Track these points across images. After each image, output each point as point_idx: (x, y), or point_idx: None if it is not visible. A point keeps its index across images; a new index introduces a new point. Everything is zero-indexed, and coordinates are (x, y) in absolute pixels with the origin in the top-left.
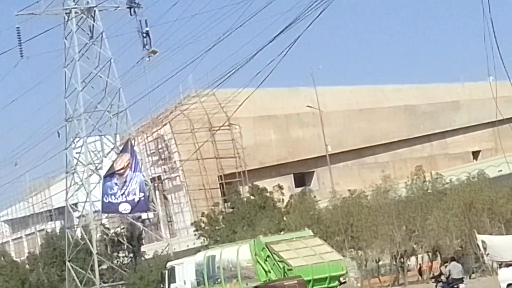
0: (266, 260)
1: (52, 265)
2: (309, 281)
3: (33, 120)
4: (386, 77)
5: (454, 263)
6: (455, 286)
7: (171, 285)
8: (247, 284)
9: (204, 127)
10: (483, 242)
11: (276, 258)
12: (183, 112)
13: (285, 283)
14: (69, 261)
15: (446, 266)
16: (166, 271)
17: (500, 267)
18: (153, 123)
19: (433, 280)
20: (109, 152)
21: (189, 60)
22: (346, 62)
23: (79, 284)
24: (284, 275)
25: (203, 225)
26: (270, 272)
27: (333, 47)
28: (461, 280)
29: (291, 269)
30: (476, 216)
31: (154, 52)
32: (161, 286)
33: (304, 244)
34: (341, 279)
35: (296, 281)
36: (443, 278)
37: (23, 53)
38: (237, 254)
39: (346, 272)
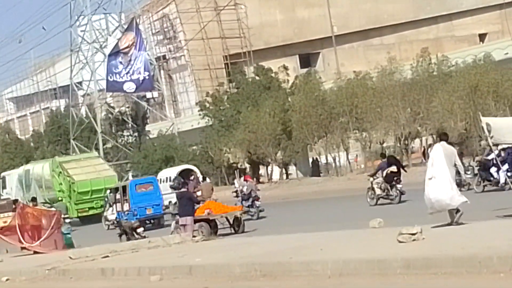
0: (59, 175)
1: (56, 143)
2: (89, 191)
3: None
4: None
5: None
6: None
7: (4, 190)
8: (48, 192)
9: (209, 6)
10: (487, 124)
11: (65, 173)
12: None
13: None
14: (73, 139)
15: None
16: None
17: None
18: (158, 2)
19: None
20: (114, 30)
21: None
22: None
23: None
24: (70, 186)
25: (207, 105)
26: (61, 184)
27: None
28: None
29: (73, 182)
30: (481, 99)
31: None
32: None
33: (89, 163)
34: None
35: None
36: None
37: None
38: (42, 169)
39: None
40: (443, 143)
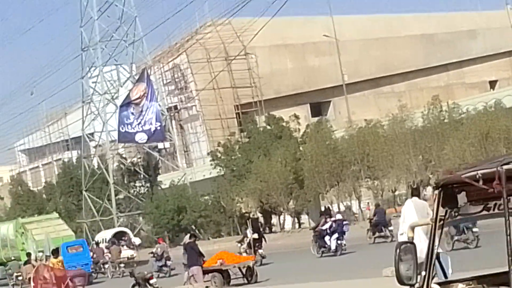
0: (22, 234)
1: (69, 194)
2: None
3: (49, 49)
4: (403, 6)
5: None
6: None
7: None
8: (13, 251)
9: (220, 56)
10: None
11: (28, 233)
12: (199, 41)
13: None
14: (85, 190)
15: None
16: None
17: None
18: (169, 52)
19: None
20: (125, 81)
21: None
22: None
23: (95, 214)
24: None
25: (219, 154)
26: (24, 243)
27: None
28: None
29: (34, 240)
30: (493, 146)
31: None
32: None
33: (49, 224)
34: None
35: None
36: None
37: None
38: (7, 229)
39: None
40: (415, 198)
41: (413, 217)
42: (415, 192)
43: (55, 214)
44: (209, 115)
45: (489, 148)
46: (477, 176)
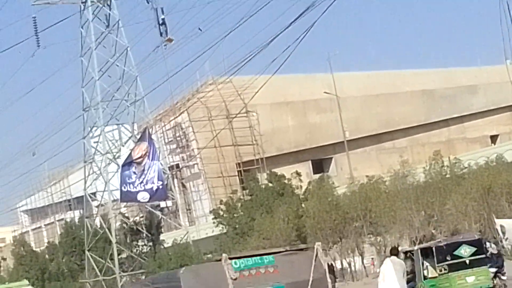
0: None
1: (71, 254)
2: None
3: (51, 110)
4: (403, 62)
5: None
6: None
7: None
8: None
9: (221, 114)
10: (501, 226)
11: None
12: (200, 100)
13: None
14: (88, 250)
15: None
16: None
17: None
18: (171, 111)
19: None
20: (127, 140)
21: (206, 47)
22: (362, 47)
23: (98, 273)
24: None
25: (221, 212)
26: None
27: (350, 32)
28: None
29: None
30: (495, 200)
31: (170, 40)
32: None
33: None
34: None
35: None
36: None
37: (40, 43)
38: None
39: None
40: (393, 258)
41: (392, 276)
42: (394, 252)
43: (25, 281)
44: (211, 173)
45: (491, 203)
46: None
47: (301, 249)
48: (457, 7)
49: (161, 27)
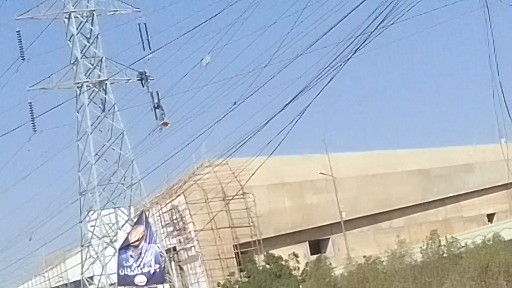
0: None
1: None
2: None
3: (47, 194)
4: (399, 142)
5: None
6: None
7: None
8: None
9: (218, 196)
10: None
11: None
12: (196, 182)
13: None
14: None
15: None
16: None
17: None
18: (167, 194)
19: None
20: (124, 224)
21: (202, 130)
22: (358, 128)
23: None
24: None
25: None
26: None
27: (345, 113)
28: None
29: None
30: (493, 279)
31: (166, 124)
32: None
33: None
34: None
35: None
36: None
37: (36, 127)
38: None
39: None
40: None
41: None
42: None
43: None
44: (208, 256)
45: (489, 282)
46: None
47: None
48: (452, 88)
49: (156, 110)
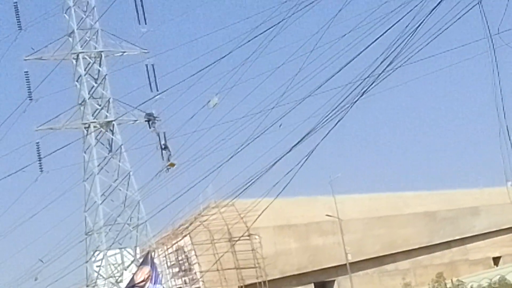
0: None
1: None
2: None
3: (53, 234)
4: (405, 184)
5: None
6: None
7: None
8: None
9: (224, 237)
10: None
11: None
12: (202, 223)
13: None
14: None
15: None
16: None
17: None
18: (173, 235)
19: None
20: (130, 264)
21: (208, 171)
22: (364, 170)
23: None
24: None
25: None
26: None
27: (351, 155)
28: None
29: None
30: None
31: (172, 165)
32: None
33: None
34: None
35: None
36: None
37: (42, 167)
38: None
39: None
40: None
41: None
42: None
43: None
44: None
45: None
46: None
47: None
48: (458, 130)
49: (163, 151)
